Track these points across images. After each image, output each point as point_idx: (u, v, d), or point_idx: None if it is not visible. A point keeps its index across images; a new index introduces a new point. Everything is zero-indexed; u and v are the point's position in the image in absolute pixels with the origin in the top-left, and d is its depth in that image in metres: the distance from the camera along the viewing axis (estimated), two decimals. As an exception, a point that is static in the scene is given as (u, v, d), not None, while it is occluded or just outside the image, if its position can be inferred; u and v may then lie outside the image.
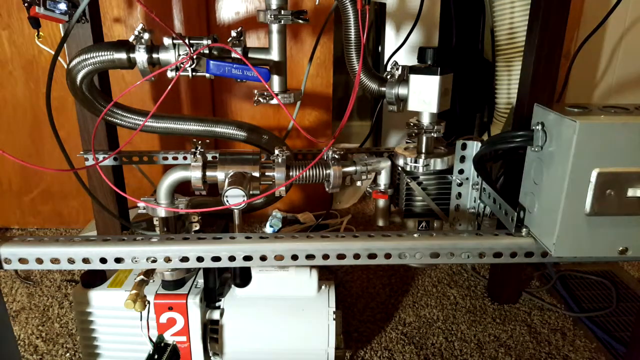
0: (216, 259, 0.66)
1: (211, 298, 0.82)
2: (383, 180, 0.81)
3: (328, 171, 0.75)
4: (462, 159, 0.79)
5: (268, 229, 1.36)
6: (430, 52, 0.76)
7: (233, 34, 0.74)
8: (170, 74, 0.73)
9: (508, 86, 1.37)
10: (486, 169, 0.77)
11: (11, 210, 1.40)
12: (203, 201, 0.88)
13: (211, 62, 0.72)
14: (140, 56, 0.72)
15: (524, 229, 0.67)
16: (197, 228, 0.82)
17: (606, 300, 1.07)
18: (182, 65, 0.72)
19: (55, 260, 0.65)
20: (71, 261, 0.65)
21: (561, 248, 0.61)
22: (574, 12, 1.35)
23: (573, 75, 1.24)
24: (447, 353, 0.93)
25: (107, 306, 0.78)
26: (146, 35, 0.72)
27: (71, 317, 1.02)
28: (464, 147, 0.78)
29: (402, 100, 0.79)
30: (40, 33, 0.90)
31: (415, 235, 0.68)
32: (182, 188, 0.76)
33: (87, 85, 0.77)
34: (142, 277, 0.74)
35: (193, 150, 0.74)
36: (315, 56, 1.29)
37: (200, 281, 0.80)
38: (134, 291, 0.71)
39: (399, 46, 1.30)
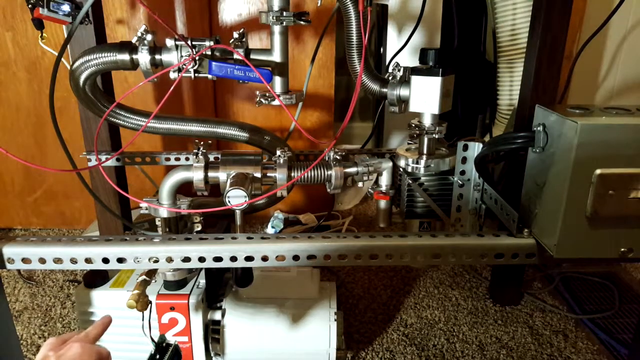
0: (218, 259, 0.66)
1: (213, 298, 0.82)
2: (384, 181, 0.81)
3: (330, 172, 0.75)
4: (464, 160, 0.79)
5: (270, 230, 1.36)
6: (432, 54, 0.76)
7: (235, 35, 0.74)
8: (173, 75, 0.73)
9: (510, 87, 1.37)
10: (488, 170, 0.77)
11: (14, 210, 1.41)
12: (205, 202, 0.89)
13: (213, 63, 0.72)
14: (143, 57, 0.73)
15: (526, 230, 0.67)
16: (199, 228, 0.82)
17: (608, 302, 1.07)
18: (184, 66, 0.72)
19: (57, 260, 0.66)
20: (74, 261, 0.66)
21: (563, 249, 0.61)
22: (576, 14, 1.35)
23: (575, 77, 1.24)
24: (449, 354, 0.93)
25: (109, 306, 0.79)
26: (149, 37, 0.73)
27: (73, 317, 1.03)
28: (465, 148, 0.79)
29: (404, 102, 0.79)
30: (44, 34, 0.90)
31: (417, 236, 0.68)
32: (184, 189, 0.76)
33: (90, 86, 0.77)
34: (144, 277, 0.74)
35: (195, 151, 0.74)
36: (317, 57, 1.30)
37: (202, 281, 0.80)
38: (136, 291, 0.71)
39: (401, 47, 1.30)
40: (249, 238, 0.67)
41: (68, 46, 0.94)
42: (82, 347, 0.53)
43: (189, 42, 0.72)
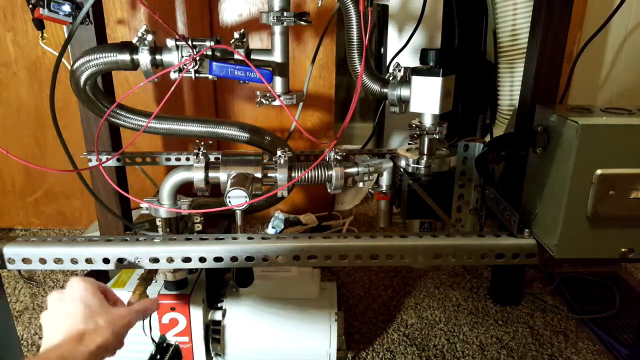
0: (218, 259, 0.66)
1: (213, 299, 0.82)
2: (385, 181, 0.81)
3: (330, 172, 0.75)
4: (464, 161, 0.79)
5: (270, 230, 1.36)
6: (433, 54, 0.76)
7: (236, 35, 0.74)
8: (174, 75, 0.73)
9: (510, 88, 1.37)
10: (488, 170, 0.77)
11: (14, 210, 1.41)
12: (205, 202, 0.89)
13: (214, 63, 0.72)
14: (144, 57, 0.73)
15: (526, 230, 0.67)
16: (200, 229, 0.82)
17: (609, 302, 1.07)
18: (185, 66, 0.72)
19: (58, 261, 0.66)
20: (74, 261, 0.66)
21: (563, 249, 0.61)
22: (576, 14, 1.35)
23: (575, 77, 1.24)
24: (449, 355, 0.93)
25: (109, 306, 0.78)
26: (149, 37, 0.73)
27: (74, 318, 1.02)
28: (466, 148, 0.79)
29: (404, 102, 0.79)
30: (44, 34, 0.91)
31: (418, 236, 0.68)
32: (185, 189, 0.76)
33: (90, 87, 0.77)
34: (144, 277, 0.74)
35: (196, 151, 0.74)
36: (318, 58, 1.30)
37: (203, 282, 0.80)
38: (137, 291, 0.71)
39: (402, 48, 1.30)
40: (249, 238, 0.68)
41: (68, 46, 0.94)
42: (84, 281, 0.51)
43: (189, 42, 0.72)
